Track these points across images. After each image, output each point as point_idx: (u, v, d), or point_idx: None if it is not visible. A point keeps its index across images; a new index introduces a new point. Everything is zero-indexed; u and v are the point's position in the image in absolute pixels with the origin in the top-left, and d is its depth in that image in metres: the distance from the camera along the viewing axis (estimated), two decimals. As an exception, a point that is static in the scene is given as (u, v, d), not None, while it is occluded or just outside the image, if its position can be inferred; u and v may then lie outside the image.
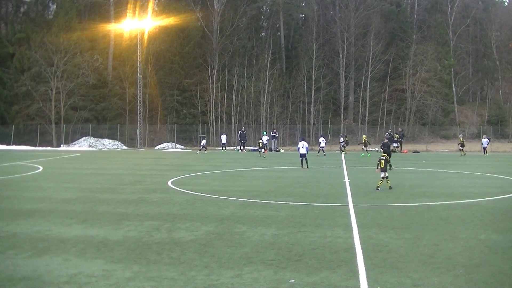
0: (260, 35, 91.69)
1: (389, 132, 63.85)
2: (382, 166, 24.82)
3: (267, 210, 19.38)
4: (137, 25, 73.67)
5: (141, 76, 73.56)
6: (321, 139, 54.36)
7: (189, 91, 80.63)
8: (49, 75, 74.38)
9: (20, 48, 78.49)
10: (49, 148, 71.62)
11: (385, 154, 25.53)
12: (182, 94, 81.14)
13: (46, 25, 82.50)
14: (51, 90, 74.56)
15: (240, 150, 64.38)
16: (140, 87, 73.38)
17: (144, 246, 13.87)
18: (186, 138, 75.99)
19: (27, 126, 76.61)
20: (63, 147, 72.68)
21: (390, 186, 24.91)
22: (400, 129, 68.07)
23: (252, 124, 78.77)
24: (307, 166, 37.13)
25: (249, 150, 63.98)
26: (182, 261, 12.28)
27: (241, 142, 65.66)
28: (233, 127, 77.17)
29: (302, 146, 37.58)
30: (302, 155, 37.49)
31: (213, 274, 11.20)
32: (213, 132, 78.33)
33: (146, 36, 75.29)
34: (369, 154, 51.49)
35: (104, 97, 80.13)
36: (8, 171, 36.63)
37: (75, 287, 10.43)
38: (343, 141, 58.90)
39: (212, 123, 79.00)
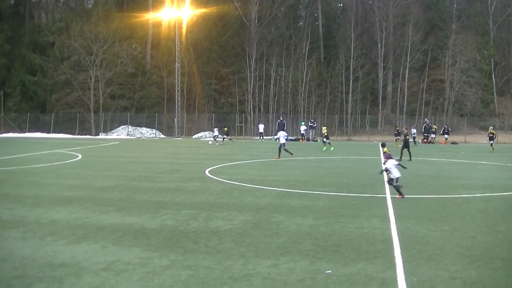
0: (298, 24, 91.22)
1: (427, 122, 63.13)
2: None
3: (304, 200, 19.33)
4: (175, 14, 73.85)
5: (179, 65, 73.78)
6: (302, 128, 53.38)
7: (227, 80, 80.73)
8: (88, 63, 75.10)
9: (60, 37, 79.31)
10: (87, 136, 72.34)
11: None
12: (220, 83, 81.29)
13: (86, 14, 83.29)
14: (90, 78, 75.30)
15: (277, 140, 64.32)
16: (178, 76, 73.61)
17: (181, 234, 13.92)
18: (224, 127, 76.35)
19: (66, 114, 77.44)
20: (102, 136, 73.33)
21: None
22: (426, 120, 66.99)
23: (290, 113, 78.57)
24: (279, 154, 37.21)
25: (287, 140, 63.90)
26: (218, 250, 12.31)
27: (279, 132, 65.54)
28: (270, 117, 77.06)
29: (283, 136, 38.54)
30: (282, 144, 37.64)
31: (249, 263, 11.20)
32: (250, 121, 78.30)
33: (184, 25, 75.44)
34: (332, 147, 48.46)
35: (143, 86, 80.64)
36: (48, 158, 37.08)
37: (112, 274, 10.51)
38: (414, 133, 56.93)
39: (250, 112, 78.96)
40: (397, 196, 19.63)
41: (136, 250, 12.38)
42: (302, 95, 79.66)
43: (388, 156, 20.79)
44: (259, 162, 35.51)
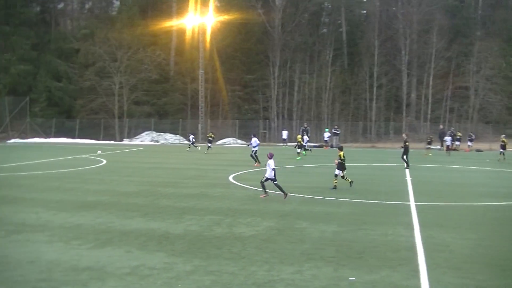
0: (322, 31, 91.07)
1: (451, 130, 62.66)
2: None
3: (328, 207, 19.31)
4: (199, 21, 74.11)
5: (203, 71, 74.00)
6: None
7: (251, 86, 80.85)
8: (112, 70, 75.64)
9: (84, 43, 79.99)
10: (112, 142, 72.73)
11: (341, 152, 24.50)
12: (243, 90, 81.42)
13: (110, 21, 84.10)
14: (115, 84, 75.83)
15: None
16: (202, 82, 73.81)
17: (205, 240, 13.98)
18: (248, 133, 76.17)
19: (91, 120, 77.95)
20: (126, 141, 73.68)
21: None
22: (441, 127, 66.36)
23: (314, 120, 78.41)
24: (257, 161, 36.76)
25: (311, 147, 63.80)
26: (242, 256, 12.34)
27: (303, 139, 65.45)
28: (294, 123, 76.96)
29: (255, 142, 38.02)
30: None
31: (273, 269, 11.22)
32: (274, 128, 78.28)
33: (208, 32, 75.66)
34: (305, 153, 48.05)
35: (166, 92, 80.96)
36: (73, 164, 37.37)
37: (136, 278, 10.58)
38: (448, 141, 55.40)
39: (274, 119, 78.97)
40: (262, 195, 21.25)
41: (160, 255, 12.45)
42: (326, 102, 79.52)
43: (270, 156, 21.43)
44: (283, 168, 35.42)
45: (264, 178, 21.21)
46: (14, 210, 18.46)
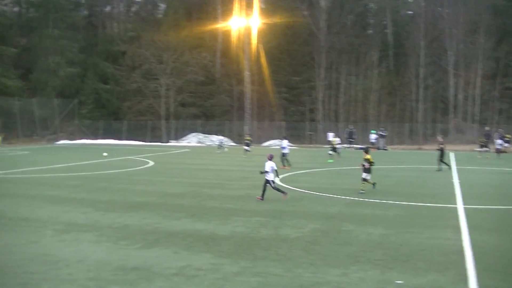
0: (367, 33, 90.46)
1: (499, 131, 61.65)
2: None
3: (374, 209, 19.19)
4: (244, 23, 74.29)
5: (248, 73, 74.17)
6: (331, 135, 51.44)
7: (297, 88, 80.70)
8: (159, 72, 76.30)
9: (131, 46, 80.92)
10: (159, 143, 73.32)
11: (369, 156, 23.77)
12: (289, 92, 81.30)
13: (156, 24, 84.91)
14: (161, 86, 76.48)
15: (348, 148, 63.80)
16: (247, 84, 73.98)
17: (252, 241, 14.01)
18: (294, 135, 75.95)
19: (138, 121, 78.73)
20: (172, 143, 74.22)
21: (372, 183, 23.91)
22: (486, 128, 65.44)
23: (360, 122, 77.90)
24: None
25: (357, 149, 63.44)
26: (288, 258, 12.34)
27: (348, 141, 65.17)
28: (340, 125, 76.61)
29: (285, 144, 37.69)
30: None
31: (319, 272, 11.20)
32: (320, 130, 78.00)
33: (253, 34, 75.79)
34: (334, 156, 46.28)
35: (212, 94, 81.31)
36: (121, 165, 37.82)
37: (183, 279, 10.67)
38: (500, 143, 53.83)
39: (320, 121, 78.70)
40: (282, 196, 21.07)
41: (207, 256, 12.52)
42: (372, 104, 78.97)
43: (270, 157, 21.57)
44: (329, 170, 35.36)
45: (272, 183, 21.24)
46: (63, 210, 18.78)
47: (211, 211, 18.57)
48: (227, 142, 72.70)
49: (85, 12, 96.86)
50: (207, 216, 17.56)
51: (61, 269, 11.35)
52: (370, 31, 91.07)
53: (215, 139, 57.02)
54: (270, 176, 21.01)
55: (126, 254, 12.66)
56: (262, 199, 20.93)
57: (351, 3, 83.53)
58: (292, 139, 72.77)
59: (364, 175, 23.05)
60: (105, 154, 45.42)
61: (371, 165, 23.22)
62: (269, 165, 21.01)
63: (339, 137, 53.18)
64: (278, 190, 21.18)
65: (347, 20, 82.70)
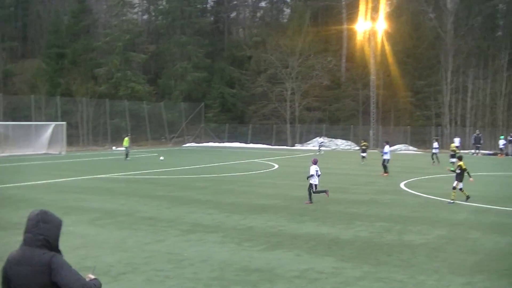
0: (496, 35, 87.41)
1: (477, 133, 58.74)
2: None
3: (502, 217, 18.56)
4: (370, 27, 73.65)
5: (374, 77, 73.46)
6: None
7: (422, 92, 79.08)
8: (284, 76, 76.79)
9: (256, 51, 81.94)
10: (284, 147, 73.78)
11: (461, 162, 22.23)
12: (415, 96, 79.78)
13: (281, 29, 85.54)
14: (286, 91, 76.93)
15: (475, 154, 62.01)
16: (373, 88, 73.30)
17: (375, 246, 13.87)
18: (419, 140, 74.51)
19: (263, 125, 79.56)
20: (297, 146, 74.53)
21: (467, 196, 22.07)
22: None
23: (488, 127, 75.44)
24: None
25: (484, 154, 61.53)
26: (412, 264, 12.12)
27: (475, 146, 63.31)
28: (467, 130, 74.47)
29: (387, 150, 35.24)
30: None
31: (443, 279, 10.94)
32: (447, 135, 76.13)
33: (378, 38, 75.00)
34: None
35: (338, 98, 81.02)
36: (246, 168, 38.35)
37: (305, 282, 10.67)
38: None
39: (446, 126, 76.81)
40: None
41: (329, 259, 12.49)
42: (501, 108, 76.23)
43: (314, 162, 21.85)
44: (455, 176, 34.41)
45: (314, 187, 21.43)
46: (189, 210, 19.25)
47: (335, 215, 18.52)
48: (352, 146, 72.29)
49: (212, 18, 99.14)
50: (330, 220, 17.52)
51: (186, 268, 11.64)
52: (499, 33, 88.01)
53: (318, 142, 57.30)
54: (315, 180, 21.25)
55: (249, 256, 12.82)
56: (311, 203, 21.09)
57: (479, 4, 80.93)
58: (417, 143, 71.47)
59: (455, 183, 21.97)
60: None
61: (464, 171, 21.96)
62: (314, 169, 21.03)
63: (479, 142, 51.55)
64: (319, 192, 21.65)
65: (475, 22, 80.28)
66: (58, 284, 4.75)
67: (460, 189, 21.96)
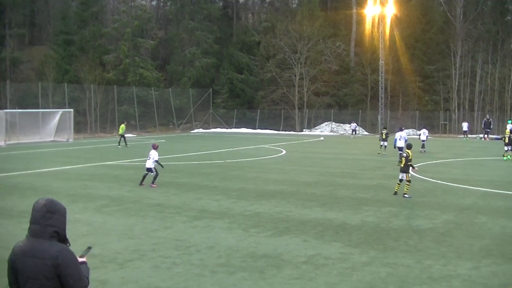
0: (506, 19, 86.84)
1: (487, 117, 58.48)
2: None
3: (510, 202, 18.51)
4: (379, 11, 73.32)
5: (383, 62, 73.19)
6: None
7: (431, 77, 78.74)
8: (293, 61, 76.64)
9: (265, 36, 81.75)
10: (292, 132, 73.74)
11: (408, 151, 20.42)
12: (424, 81, 79.45)
13: (290, 14, 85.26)
14: (295, 76, 76.77)
15: (483, 139, 61.82)
16: (382, 73, 73.06)
17: (382, 232, 13.85)
18: (428, 125, 74.26)
19: (271, 111, 79.50)
20: (306, 132, 74.46)
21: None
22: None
23: (496, 111, 75.11)
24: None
25: (493, 139, 61.31)
26: (419, 249, 12.10)
27: (484, 130, 63.11)
28: (475, 115, 74.19)
29: (400, 138, 32.80)
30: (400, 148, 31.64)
31: (450, 264, 10.92)
32: (455, 120, 75.90)
33: (387, 22, 74.67)
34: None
35: (346, 83, 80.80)
36: (254, 153, 38.31)
37: (312, 267, 10.66)
38: None
39: (455, 110, 76.53)
40: None
41: (337, 245, 12.48)
42: (509, 93, 75.83)
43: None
44: (463, 161, 34.36)
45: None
46: (196, 197, 19.24)
47: (343, 200, 18.49)
48: (360, 131, 72.15)
49: (220, 4, 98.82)
50: (338, 205, 17.49)
51: (193, 254, 11.64)
52: (508, 18, 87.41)
53: (350, 126, 56.92)
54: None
55: (256, 242, 12.81)
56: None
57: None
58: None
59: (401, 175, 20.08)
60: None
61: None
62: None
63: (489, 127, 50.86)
64: None
65: (484, 6, 79.77)
66: (60, 281, 4.75)
67: (401, 180, 20.03)
